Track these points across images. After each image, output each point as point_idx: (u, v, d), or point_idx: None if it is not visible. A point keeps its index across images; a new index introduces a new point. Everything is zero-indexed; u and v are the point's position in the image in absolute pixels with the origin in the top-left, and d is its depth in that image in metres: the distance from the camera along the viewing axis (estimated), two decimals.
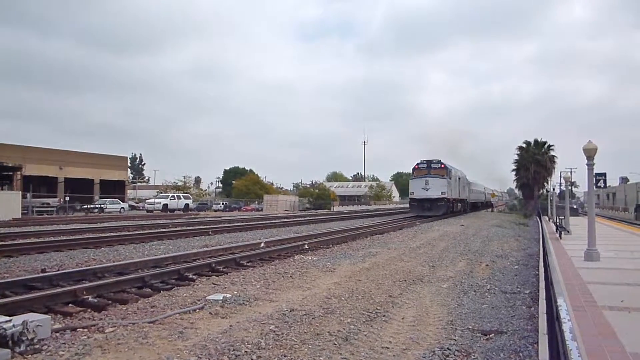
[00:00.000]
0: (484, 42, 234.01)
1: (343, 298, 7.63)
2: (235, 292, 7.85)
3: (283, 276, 9.60)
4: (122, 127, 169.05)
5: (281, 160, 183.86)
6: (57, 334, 5.41)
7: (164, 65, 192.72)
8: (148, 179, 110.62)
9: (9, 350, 4.67)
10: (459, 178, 41.92)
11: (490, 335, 5.95)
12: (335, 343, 5.38)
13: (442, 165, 36.17)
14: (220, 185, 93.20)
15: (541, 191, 55.62)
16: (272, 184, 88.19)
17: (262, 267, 11.02)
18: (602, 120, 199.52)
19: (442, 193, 34.84)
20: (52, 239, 16.57)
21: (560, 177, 50.17)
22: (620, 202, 58.42)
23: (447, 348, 5.33)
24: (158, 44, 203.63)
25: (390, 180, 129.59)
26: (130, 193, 69.25)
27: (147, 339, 5.24)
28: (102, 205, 43.53)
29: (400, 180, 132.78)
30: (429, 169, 35.82)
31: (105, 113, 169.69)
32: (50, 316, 5.81)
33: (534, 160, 53.85)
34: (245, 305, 7.05)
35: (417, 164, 37.05)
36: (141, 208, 52.19)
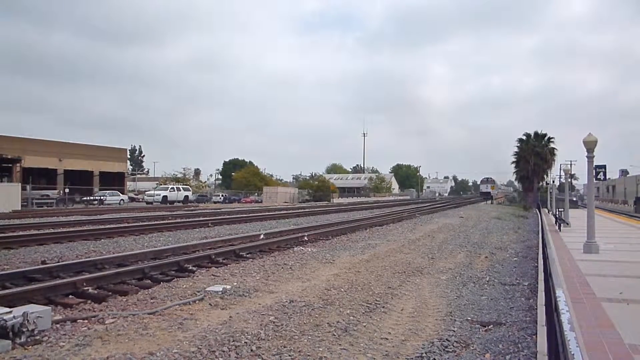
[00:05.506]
0: (486, 35, 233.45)
1: (342, 289, 7.66)
2: (235, 284, 7.87)
3: (282, 268, 9.62)
4: (121, 119, 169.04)
5: (281, 152, 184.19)
6: (58, 325, 5.43)
7: (164, 57, 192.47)
8: (147, 171, 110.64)
9: (10, 341, 4.69)
10: (497, 184, 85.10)
11: (489, 327, 5.97)
12: (335, 334, 5.41)
13: (492, 179, 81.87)
14: (220, 177, 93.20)
15: (541, 183, 55.65)
16: (271, 175, 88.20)
17: (262, 258, 11.04)
18: (603, 113, 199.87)
19: (491, 189, 76.14)
20: (52, 230, 16.57)
21: (560, 169, 50.31)
22: (619, 195, 58.51)
23: (446, 339, 5.35)
24: (158, 35, 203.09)
25: (390, 172, 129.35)
26: (129, 185, 69.18)
27: (147, 330, 5.26)
28: (102, 197, 43.50)
29: (400, 172, 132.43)
30: (488, 180, 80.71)
31: (105, 105, 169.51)
32: (50, 307, 5.82)
33: (534, 153, 53.79)
34: (245, 296, 7.07)
35: (482, 179, 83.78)
36: (141, 200, 52.15)
